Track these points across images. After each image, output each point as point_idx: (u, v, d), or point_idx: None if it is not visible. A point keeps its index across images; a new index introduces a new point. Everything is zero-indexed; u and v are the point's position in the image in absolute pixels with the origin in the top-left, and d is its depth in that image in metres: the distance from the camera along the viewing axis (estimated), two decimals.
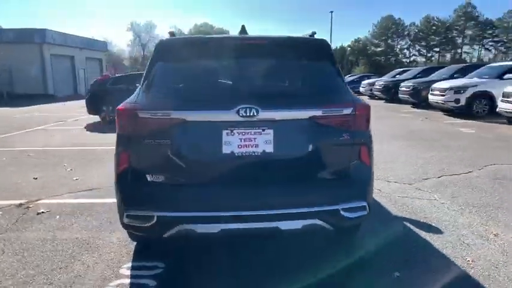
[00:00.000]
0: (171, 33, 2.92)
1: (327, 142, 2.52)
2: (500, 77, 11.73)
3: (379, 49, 75.51)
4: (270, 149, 2.42)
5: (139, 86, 2.61)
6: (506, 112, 9.83)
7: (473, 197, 4.40)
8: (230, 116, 2.33)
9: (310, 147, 2.48)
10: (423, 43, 73.32)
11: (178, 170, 2.40)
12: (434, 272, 2.75)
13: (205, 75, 2.76)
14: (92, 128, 11.17)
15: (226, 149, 2.38)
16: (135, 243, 3.18)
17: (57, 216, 3.92)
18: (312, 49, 2.87)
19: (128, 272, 2.77)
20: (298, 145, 2.50)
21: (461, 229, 3.51)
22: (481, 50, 70.97)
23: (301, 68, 2.90)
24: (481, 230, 3.48)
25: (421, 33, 72.49)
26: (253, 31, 3.88)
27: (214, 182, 2.45)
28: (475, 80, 12.45)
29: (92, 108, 11.95)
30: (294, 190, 2.49)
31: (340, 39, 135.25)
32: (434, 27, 71.43)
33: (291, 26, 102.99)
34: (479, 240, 3.27)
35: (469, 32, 70.80)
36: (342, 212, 2.43)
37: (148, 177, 2.42)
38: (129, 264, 2.89)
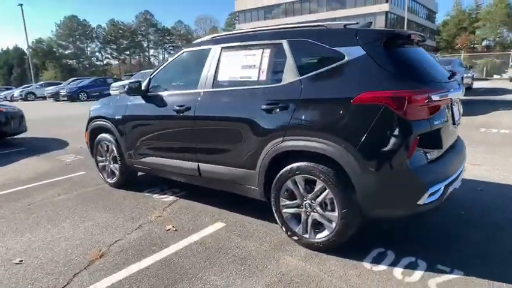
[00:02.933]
0: None
1: None
2: None
3: (68, 51, 70.34)
4: None
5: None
6: None
7: None
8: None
9: None
10: (114, 46, 75.05)
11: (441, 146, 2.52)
12: None
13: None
14: None
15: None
16: None
17: None
18: None
19: None
20: None
21: None
22: (164, 54, 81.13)
23: None
24: None
25: (110, 36, 73.60)
26: None
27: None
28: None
29: None
30: None
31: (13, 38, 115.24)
32: (121, 31, 74.31)
33: None
34: None
35: (152, 37, 79.04)
36: None
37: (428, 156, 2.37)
38: None
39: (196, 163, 3.32)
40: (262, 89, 2.83)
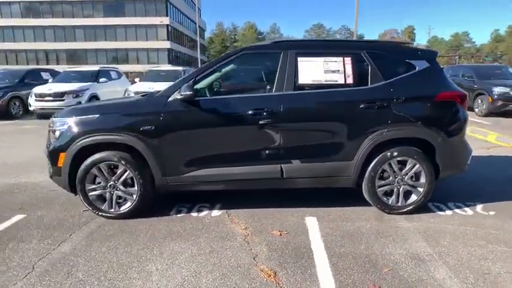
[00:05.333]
0: None
1: None
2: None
3: None
4: None
5: None
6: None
7: None
8: None
9: None
10: None
11: None
12: None
13: None
14: None
15: None
16: None
17: None
18: None
19: None
20: None
21: None
22: None
23: None
24: None
25: None
26: None
27: None
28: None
29: None
30: None
31: None
32: None
33: None
34: None
35: None
36: None
37: None
38: None
39: (279, 165, 3.34)
40: (354, 90, 3.33)
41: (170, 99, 3.29)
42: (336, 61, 3.39)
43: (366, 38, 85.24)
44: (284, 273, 2.50)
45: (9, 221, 3.45)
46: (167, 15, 50.05)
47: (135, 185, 3.36)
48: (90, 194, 3.39)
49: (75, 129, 3.31)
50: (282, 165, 3.35)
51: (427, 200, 3.49)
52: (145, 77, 12.55)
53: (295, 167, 3.36)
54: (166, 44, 50.84)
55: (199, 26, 69.77)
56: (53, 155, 3.38)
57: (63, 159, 3.32)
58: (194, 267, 2.59)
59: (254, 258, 2.71)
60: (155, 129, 3.25)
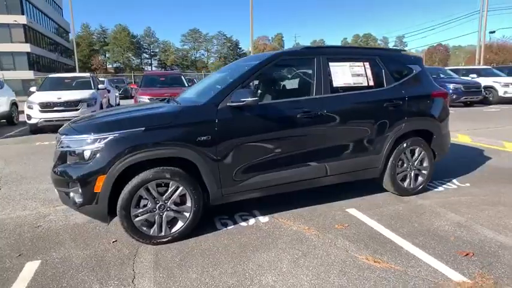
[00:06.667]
0: None
1: None
2: None
3: None
4: None
5: None
6: None
7: None
8: None
9: None
10: None
11: None
12: None
13: None
14: None
15: None
16: None
17: None
18: None
19: None
20: None
21: None
22: None
23: None
24: None
25: None
26: None
27: None
28: None
29: None
30: None
31: None
32: None
33: None
34: None
35: None
36: None
37: None
38: None
39: (324, 164, 3.53)
40: (378, 91, 3.79)
41: (221, 106, 3.13)
42: (359, 65, 3.79)
43: (241, 43, 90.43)
44: (386, 257, 2.74)
45: (25, 272, 2.68)
46: (23, 13, 42.66)
47: (189, 202, 3.07)
48: (136, 219, 2.94)
49: (118, 146, 2.81)
50: (326, 164, 3.56)
51: (429, 181, 4.23)
52: (44, 85, 10.65)
53: (337, 164, 3.61)
54: (25, 47, 43.31)
55: (61, 27, 61.80)
56: (86, 180, 2.79)
57: (102, 182, 2.79)
58: (308, 271, 2.58)
59: (347, 251, 2.86)
60: (211, 138, 3.04)
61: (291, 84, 3.80)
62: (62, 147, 2.99)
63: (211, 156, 3.06)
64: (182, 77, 12.29)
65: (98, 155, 2.80)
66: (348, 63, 3.76)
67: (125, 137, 2.85)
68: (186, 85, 11.54)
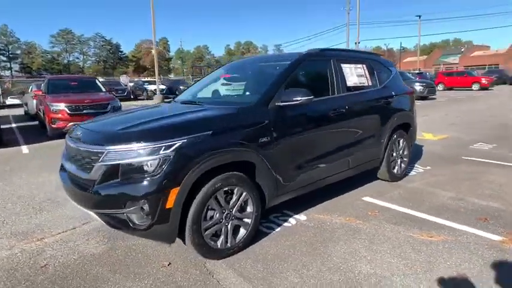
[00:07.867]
0: None
1: None
2: None
3: None
4: None
5: None
6: None
7: None
8: None
9: None
10: None
11: None
12: None
13: None
14: None
15: None
16: None
17: None
18: None
19: None
20: None
21: None
22: None
23: None
24: None
25: None
26: None
27: None
28: None
29: None
30: None
31: None
32: None
33: None
34: None
35: None
36: None
37: None
38: None
39: (347, 158, 3.78)
40: (377, 90, 4.26)
41: (271, 106, 3.08)
42: (359, 67, 4.18)
43: (122, 47, 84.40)
44: (434, 232, 3.15)
45: None
46: None
47: (250, 207, 2.92)
48: (206, 233, 2.66)
49: (190, 153, 2.49)
50: (349, 157, 3.83)
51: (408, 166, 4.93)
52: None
53: (354, 157, 3.92)
54: None
55: None
56: (157, 195, 2.39)
57: (176, 196, 2.44)
58: (388, 254, 2.79)
59: (399, 232, 3.17)
60: (269, 139, 2.96)
61: (314, 83, 3.93)
62: (106, 160, 2.48)
63: (269, 158, 2.98)
64: (97, 81, 10.95)
65: (166, 165, 2.43)
66: (352, 65, 4.12)
67: (196, 142, 2.55)
68: (103, 90, 10.38)
